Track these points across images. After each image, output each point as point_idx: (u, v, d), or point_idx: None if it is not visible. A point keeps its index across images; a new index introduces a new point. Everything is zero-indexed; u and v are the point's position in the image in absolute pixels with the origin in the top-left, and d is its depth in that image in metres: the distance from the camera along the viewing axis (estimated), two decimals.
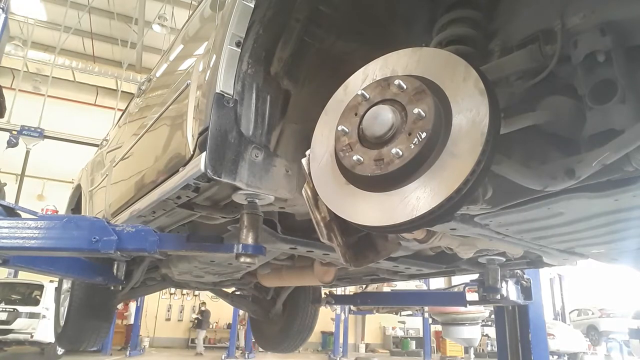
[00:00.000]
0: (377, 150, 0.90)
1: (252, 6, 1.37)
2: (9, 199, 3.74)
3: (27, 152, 11.77)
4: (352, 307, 12.73)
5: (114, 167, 2.74)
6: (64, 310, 3.31)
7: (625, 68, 0.90)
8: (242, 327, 14.38)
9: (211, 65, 1.42)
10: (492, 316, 6.69)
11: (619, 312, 14.77)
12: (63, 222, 1.64)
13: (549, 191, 1.05)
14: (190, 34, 2.19)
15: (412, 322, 16.28)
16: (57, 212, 9.32)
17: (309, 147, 1.12)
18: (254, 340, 8.89)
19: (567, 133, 1.03)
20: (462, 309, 7.79)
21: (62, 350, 9.35)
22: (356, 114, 0.98)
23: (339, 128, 0.98)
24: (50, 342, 8.95)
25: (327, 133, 1.06)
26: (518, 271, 2.76)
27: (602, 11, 0.92)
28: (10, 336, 8.96)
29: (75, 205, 3.83)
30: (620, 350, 11.94)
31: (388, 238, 1.30)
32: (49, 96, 13.45)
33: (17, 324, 8.92)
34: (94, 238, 1.58)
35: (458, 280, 3.99)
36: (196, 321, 15.26)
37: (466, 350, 11.16)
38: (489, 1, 1.19)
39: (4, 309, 8.98)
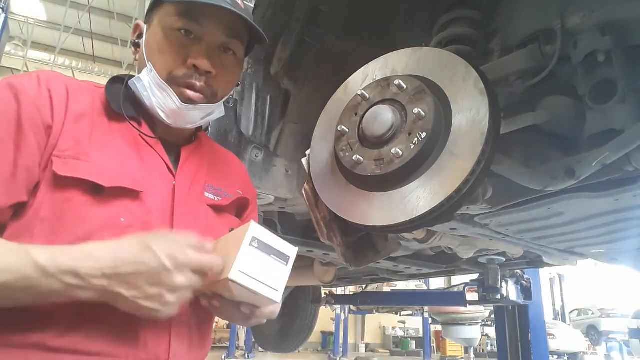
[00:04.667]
0: (377, 150, 0.90)
1: (252, 6, 1.37)
2: None
3: None
4: (352, 307, 12.71)
5: None
6: None
7: (625, 68, 0.90)
8: (242, 327, 14.35)
9: None
10: (492, 316, 6.69)
11: (619, 312, 14.75)
12: None
13: (549, 191, 1.05)
14: None
15: (412, 322, 16.25)
16: None
17: (309, 147, 1.12)
18: (254, 340, 8.90)
19: (567, 133, 1.03)
20: (462, 309, 7.78)
21: None
22: (356, 114, 0.97)
23: (339, 128, 0.98)
24: None
25: (327, 133, 1.06)
26: (518, 271, 2.77)
27: (602, 11, 0.92)
28: None
29: None
30: (620, 350, 11.92)
31: (388, 238, 1.29)
32: None
33: None
34: None
35: (458, 280, 4.00)
36: None
37: (466, 350, 11.13)
38: (489, 1, 1.19)
39: None
